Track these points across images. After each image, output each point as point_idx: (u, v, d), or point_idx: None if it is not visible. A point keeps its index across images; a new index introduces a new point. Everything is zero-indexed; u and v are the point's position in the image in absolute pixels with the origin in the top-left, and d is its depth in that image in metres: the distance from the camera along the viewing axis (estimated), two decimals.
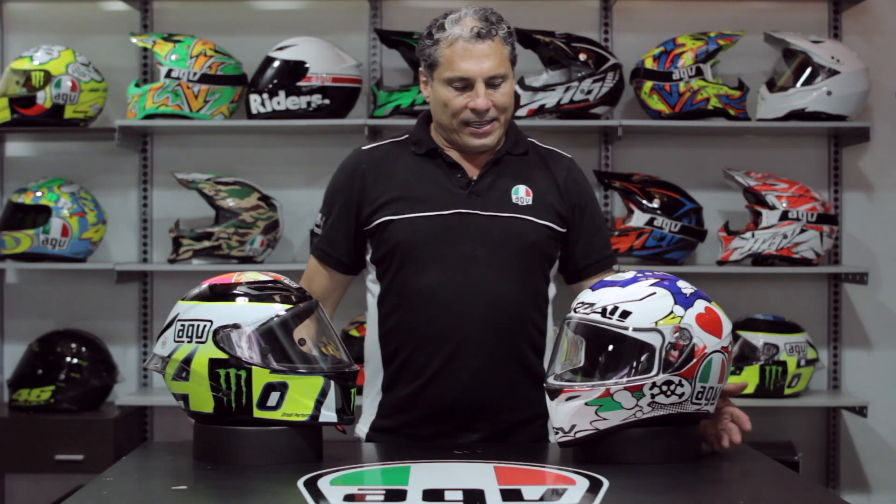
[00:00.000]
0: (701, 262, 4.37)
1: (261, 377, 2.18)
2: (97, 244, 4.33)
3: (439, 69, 2.55)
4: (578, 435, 2.18)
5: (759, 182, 4.17)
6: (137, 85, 4.23)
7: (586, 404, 2.16)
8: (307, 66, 4.14)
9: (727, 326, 2.22)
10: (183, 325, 2.22)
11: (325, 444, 2.29)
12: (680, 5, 4.46)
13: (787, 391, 4.15)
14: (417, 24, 4.28)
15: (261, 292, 2.24)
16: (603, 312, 2.18)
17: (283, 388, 2.19)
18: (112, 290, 4.46)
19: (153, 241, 4.50)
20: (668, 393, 2.14)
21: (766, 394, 4.12)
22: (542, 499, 1.96)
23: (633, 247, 4.15)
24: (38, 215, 4.21)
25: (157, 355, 2.26)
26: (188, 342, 2.20)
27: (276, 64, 4.16)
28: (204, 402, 2.20)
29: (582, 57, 4.14)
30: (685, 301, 2.18)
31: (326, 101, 4.16)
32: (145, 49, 4.41)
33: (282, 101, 4.14)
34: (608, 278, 2.27)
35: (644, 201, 4.17)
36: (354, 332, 4.11)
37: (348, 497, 1.94)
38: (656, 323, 2.15)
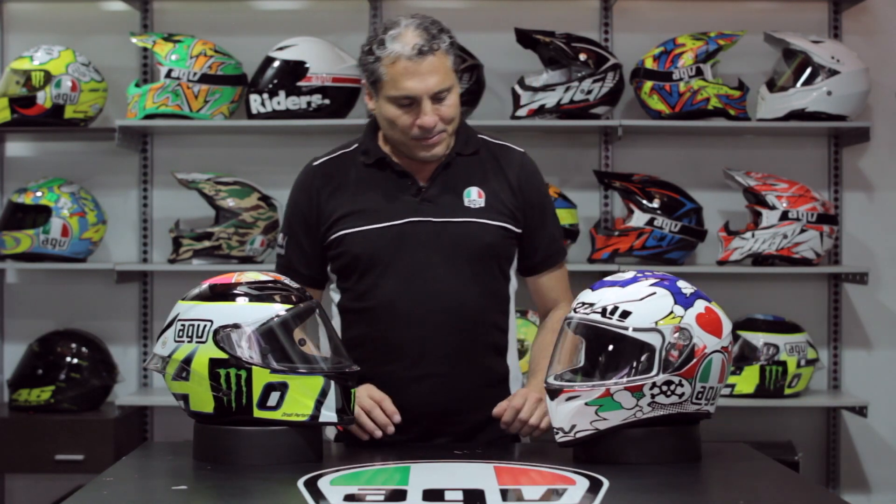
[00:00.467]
0: (701, 262, 4.37)
1: (261, 377, 2.18)
2: (97, 244, 4.33)
3: (383, 87, 2.50)
4: (578, 435, 2.18)
5: (759, 182, 4.17)
6: (137, 85, 4.23)
7: (586, 404, 2.16)
8: (307, 66, 4.14)
9: (727, 326, 2.22)
10: (183, 325, 2.22)
11: (325, 444, 2.29)
12: (680, 5, 4.46)
13: (788, 391, 4.15)
14: None
15: (261, 292, 2.24)
16: (603, 312, 2.18)
17: (283, 388, 2.19)
18: (112, 290, 4.46)
19: (153, 241, 4.50)
20: (669, 393, 2.14)
21: (766, 394, 4.12)
22: (542, 499, 1.96)
23: (633, 247, 4.15)
24: (38, 215, 4.21)
25: (157, 355, 2.26)
26: (188, 342, 2.20)
27: (276, 64, 4.16)
28: (204, 402, 2.21)
29: (582, 57, 4.14)
30: (685, 301, 2.18)
31: (326, 101, 4.16)
32: (145, 49, 4.41)
33: (282, 101, 4.14)
34: (609, 278, 2.27)
35: (644, 201, 4.17)
36: None
37: (348, 497, 1.94)
38: (656, 323, 2.15)
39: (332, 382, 2.22)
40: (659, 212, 4.16)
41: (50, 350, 4.26)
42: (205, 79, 4.16)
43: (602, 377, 2.17)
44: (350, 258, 2.57)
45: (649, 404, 2.14)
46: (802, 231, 4.13)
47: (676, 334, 2.15)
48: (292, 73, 4.15)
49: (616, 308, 2.17)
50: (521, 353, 4.06)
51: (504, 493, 1.96)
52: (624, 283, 2.22)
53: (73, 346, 4.28)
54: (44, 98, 4.16)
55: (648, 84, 4.16)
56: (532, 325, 4.08)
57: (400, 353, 2.55)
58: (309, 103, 4.15)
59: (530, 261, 2.69)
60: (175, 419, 4.36)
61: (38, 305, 4.53)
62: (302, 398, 2.20)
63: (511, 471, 2.16)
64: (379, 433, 2.45)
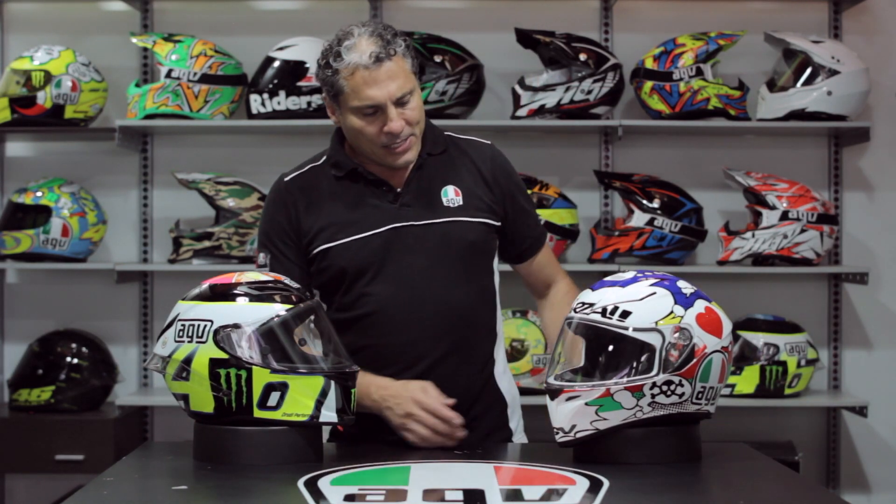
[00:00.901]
0: (701, 262, 4.37)
1: (261, 377, 2.18)
2: (97, 244, 4.33)
3: (344, 99, 2.48)
4: (578, 435, 2.18)
5: (759, 182, 4.17)
6: (138, 85, 4.23)
7: (586, 404, 2.16)
8: (307, 66, 4.14)
9: (727, 326, 2.22)
10: (183, 325, 2.22)
11: (325, 444, 2.29)
12: (680, 5, 4.46)
13: (788, 391, 4.15)
14: (417, 24, 4.28)
15: (261, 292, 2.24)
16: (603, 312, 2.18)
17: (283, 388, 2.19)
18: (112, 290, 4.46)
19: (153, 241, 4.50)
20: (669, 393, 2.14)
21: (767, 394, 4.12)
22: (542, 499, 1.96)
23: (633, 247, 4.15)
24: (39, 215, 4.21)
25: (157, 355, 2.26)
26: (189, 342, 2.20)
27: (277, 64, 4.16)
28: (204, 402, 2.21)
29: (582, 57, 4.14)
30: (685, 301, 2.18)
31: None
32: (145, 49, 4.41)
33: (282, 101, 4.14)
34: (609, 278, 2.27)
35: (644, 201, 4.17)
36: None
37: (348, 497, 1.94)
38: (656, 323, 2.15)
39: (333, 382, 2.22)
40: (659, 212, 4.16)
41: (50, 350, 4.26)
42: (205, 79, 4.16)
43: (602, 377, 2.17)
44: (336, 271, 2.55)
45: (649, 404, 2.14)
46: (802, 231, 4.13)
47: (676, 334, 2.15)
48: (292, 73, 4.15)
49: (616, 308, 2.17)
50: (521, 352, 4.07)
51: (504, 493, 1.96)
52: (624, 283, 2.22)
53: (74, 346, 4.28)
54: (44, 98, 4.16)
55: (648, 84, 4.16)
56: (532, 324, 4.08)
57: (394, 358, 2.54)
58: (309, 103, 4.15)
59: (519, 247, 2.69)
60: (175, 419, 4.36)
61: (38, 305, 4.53)
62: (302, 398, 2.20)
63: (511, 471, 2.16)
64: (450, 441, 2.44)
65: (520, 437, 2.67)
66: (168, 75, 4.14)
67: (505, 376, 2.67)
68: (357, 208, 2.57)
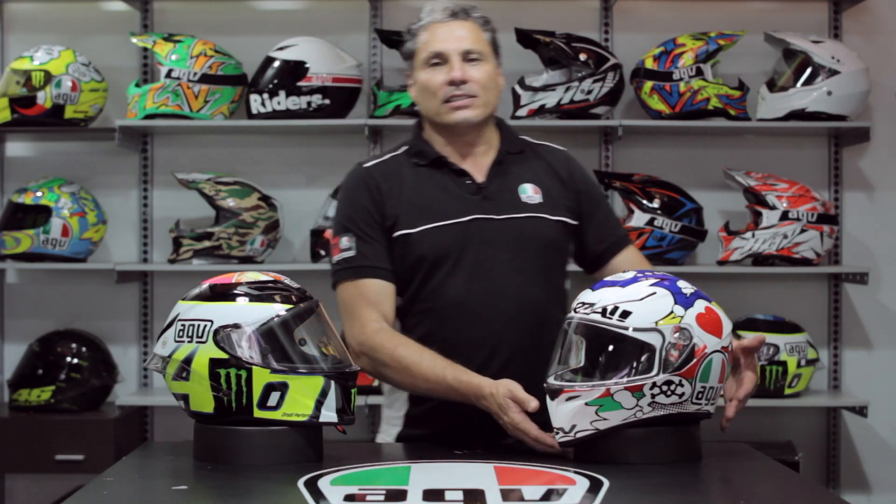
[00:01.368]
0: (701, 262, 4.37)
1: (261, 377, 2.18)
2: (97, 244, 4.33)
3: (417, 55, 2.58)
4: (578, 435, 2.18)
5: (759, 182, 4.17)
6: (138, 85, 4.23)
7: (586, 404, 2.16)
8: (307, 66, 4.14)
9: (727, 326, 2.22)
10: (183, 325, 2.22)
11: (325, 444, 2.29)
12: (680, 5, 4.46)
13: (788, 391, 4.15)
14: None
15: (261, 292, 2.24)
16: (603, 312, 2.18)
17: (283, 388, 2.19)
18: (112, 290, 4.47)
19: (153, 241, 4.50)
20: (669, 393, 2.14)
21: (767, 394, 4.12)
22: (542, 499, 1.96)
23: None
24: (39, 215, 4.22)
25: (157, 355, 2.26)
26: (189, 342, 2.20)
27: (277, 64, 4.16)
28: (204, 402, 2.20)
29: (582, 57, 4.14)
30: (685, 301, 2.18)
31: (327, 101, 4.16)
32: (145, 49, 4.41)
33: (282, 101, 4.14)
34: (609, 278, 2.27)
35: (644, 201, 4.17)
36: None
37: (348, 497, 1.94)
38: (656, 323, 2.15)
39: (333, 382, 2.22)
40: (659, 212, 4.16)
41: (50, 350, 4.26)
42: (205, 79, 4.16)
43: (602, 377, 2.17)
44: (414, 258, 2.54)
45: (649, 404, 2.14)
46: (802, 231, 4.13)
47: (676, 334, 2.15)
48: (292, 73, 4.15)
49: (616, 308, 2.17)
50: None
51: (504, 493, 1.96)
52: (624, 283, 2.22)
53: (74, 346, 4.28)
54: (44, 98, 4.16)
55: (648, 84, 4.16)
56: None
57: (468, 352, 2.51)
58: (309, 103, 4.15)
59: (599, 247, 2.68)
60: (175, 419, 4.36)
61: (38, 305, 4.53)
62: (302, 398, 2.20)
63: (511, 471, 2.16)
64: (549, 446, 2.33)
65: None
66: (168, 75, 4.14)
67: None
68: (438, 197, 2.57)
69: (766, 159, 4.43)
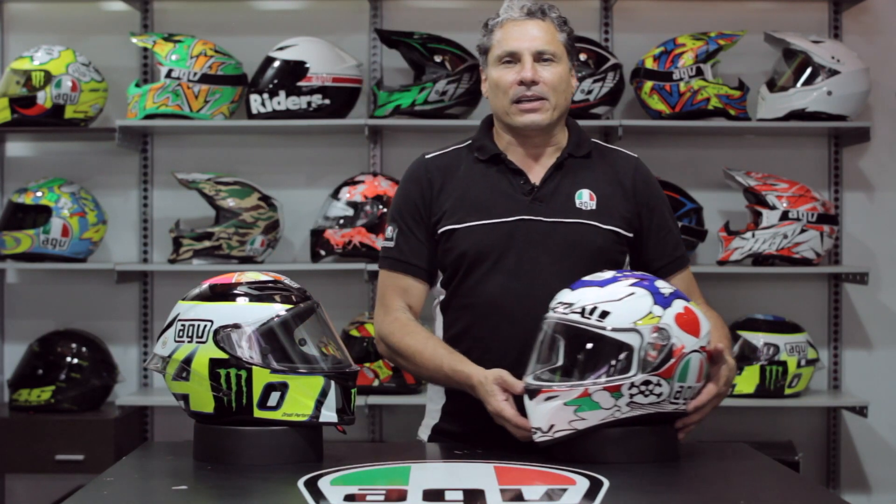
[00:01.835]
0: (701, 262, 4.37)
1: (261, 377, 2.18)
2: (97, 244, 4.33)
3: (491, 52, 2.57)
4: (557, 435, 2.18)
5: (759, 182, 4.17)
6: (138, 85, 4.23)
7: (565, 404, 2.16)
8: (307, 66, 4.14)
9: (705, 326, 2.22)
10: (183, 325, 2.22)
11: (325, 444, 2.29)
12: (680, 5, 4.46)
13: (788, 391, 4.15)
14: (417, 24, 4.28)
15: (261, 292, 2.24)
16: (582, 312, 2.18)
17: (283, 388, 2.19)
18: (112, 290, 4.47)
19: (153, 241, 4.50)
20: (647, 393, 2.14)
21: (767, 394, 4.12)
22: (542, 499, 1.96)
23: None
24: (39, 215, 4.22)
25: (157, 355, 2.26)
26: (189, 342, 2.20)
27: (277, 64, 4.16)
28: (204, 402, 2.21)
29: (582, 57, 4.14)
30: (664, 301, 2.18)
31: (327, 101, 4.16)
32: (145, 49, 4.41)
33: (282, 101, 4.14)
34: (587, 278, 2.27)
35: None
36: (354, 332, 4.12)
37: (348, 497, 1.94)
38: (635, 323, 2.15)
39: (333, 382, 2.22)
40: None
41: (50, 350, 4.26)
42: (205, 79, 4.16)
43: (581, 377, 2.17)
44: (457, 254, 2.54)
45: (628, 404, 2.14)
46: (802, 231, 4.13)
47: (655, 334, 2.15)
48: (292, 73, 4.15)
49: (595, 308, 2.17)
50: None
51: (504, 493, 1.96)
52: (603, 283, 2.22)
53: (74, 346, 4.28)
54: (44, 98, 4.16)
55: (648, 84, 4.16)
56: None
57: (501, 351, 2.49)
58: (309, 103, 4.15)
59: (653, 265, 2.61)
60: (175, 419, 4.36)
61: (38, 305, 4.53)
62: (302, 398, 2.20)
63: (511, 471, 2.16)
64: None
65: None
66: (168, 75, 4.14)
67: None
68: (489, 195, 2.56)
69: (766, 159, 4.43)
